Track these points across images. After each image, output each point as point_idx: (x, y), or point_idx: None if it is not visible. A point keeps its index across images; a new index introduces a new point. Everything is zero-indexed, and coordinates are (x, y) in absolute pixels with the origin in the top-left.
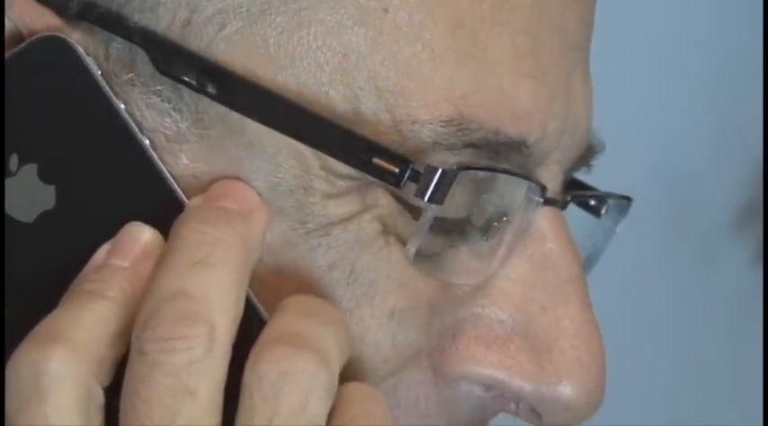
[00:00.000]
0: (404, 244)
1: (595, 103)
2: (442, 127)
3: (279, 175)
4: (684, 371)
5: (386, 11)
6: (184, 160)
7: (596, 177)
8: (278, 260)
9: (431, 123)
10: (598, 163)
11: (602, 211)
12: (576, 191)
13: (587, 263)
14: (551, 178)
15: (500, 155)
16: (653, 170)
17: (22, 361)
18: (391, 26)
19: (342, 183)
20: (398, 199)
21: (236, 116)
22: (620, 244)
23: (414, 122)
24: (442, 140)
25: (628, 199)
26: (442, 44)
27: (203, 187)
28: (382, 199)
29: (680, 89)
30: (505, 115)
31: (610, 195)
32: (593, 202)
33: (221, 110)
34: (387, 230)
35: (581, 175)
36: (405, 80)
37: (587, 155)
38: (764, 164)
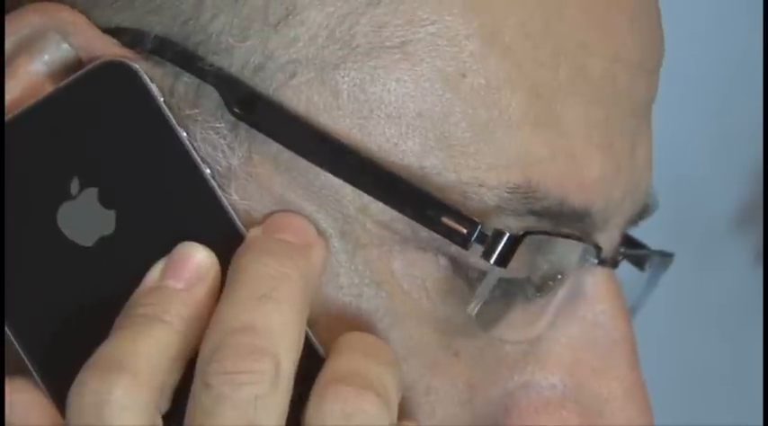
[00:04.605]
0: (430, 324)
1: None
2: (508, 193)
3: (319, 215)
4: (684, 371)
5: (464, 76)
6: (234, 196)
7: None
8: (313, 313)
9: (497, 188)
10: None
11: (646, 265)
12: (626, 250)
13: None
14: (609, 241)
15: (562, 222)
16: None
17: (84, 390)
18: (468, 90)
19: (376, 232)
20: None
21: (286, 156)
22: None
23: (480, 185)
24: (505, 205)
25: (671, 255)
26: (519, 111)
27: (255, 223)
28: (417, 270)
29: (680, 89)
30: (572, 185)
31: (655, 252)
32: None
33: (273, 150)
34: (418, 310)
35: None
36: (480, 143)
37: (642, 213)
38: (764, 164)
